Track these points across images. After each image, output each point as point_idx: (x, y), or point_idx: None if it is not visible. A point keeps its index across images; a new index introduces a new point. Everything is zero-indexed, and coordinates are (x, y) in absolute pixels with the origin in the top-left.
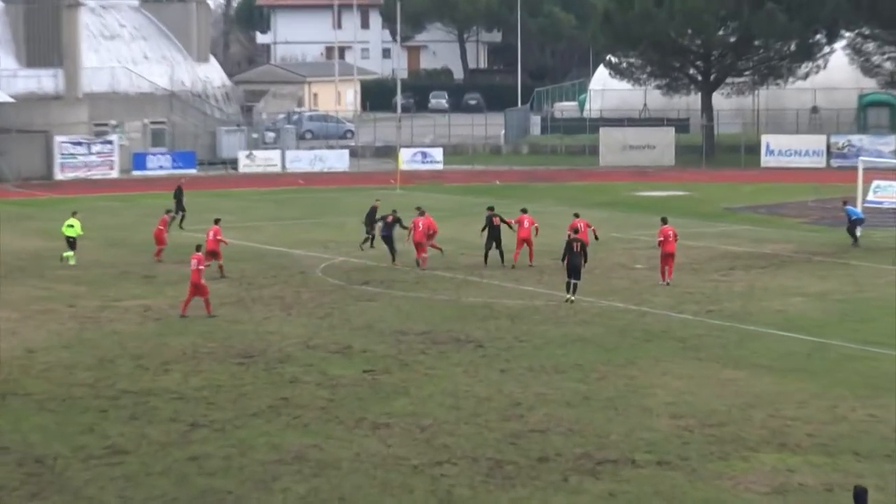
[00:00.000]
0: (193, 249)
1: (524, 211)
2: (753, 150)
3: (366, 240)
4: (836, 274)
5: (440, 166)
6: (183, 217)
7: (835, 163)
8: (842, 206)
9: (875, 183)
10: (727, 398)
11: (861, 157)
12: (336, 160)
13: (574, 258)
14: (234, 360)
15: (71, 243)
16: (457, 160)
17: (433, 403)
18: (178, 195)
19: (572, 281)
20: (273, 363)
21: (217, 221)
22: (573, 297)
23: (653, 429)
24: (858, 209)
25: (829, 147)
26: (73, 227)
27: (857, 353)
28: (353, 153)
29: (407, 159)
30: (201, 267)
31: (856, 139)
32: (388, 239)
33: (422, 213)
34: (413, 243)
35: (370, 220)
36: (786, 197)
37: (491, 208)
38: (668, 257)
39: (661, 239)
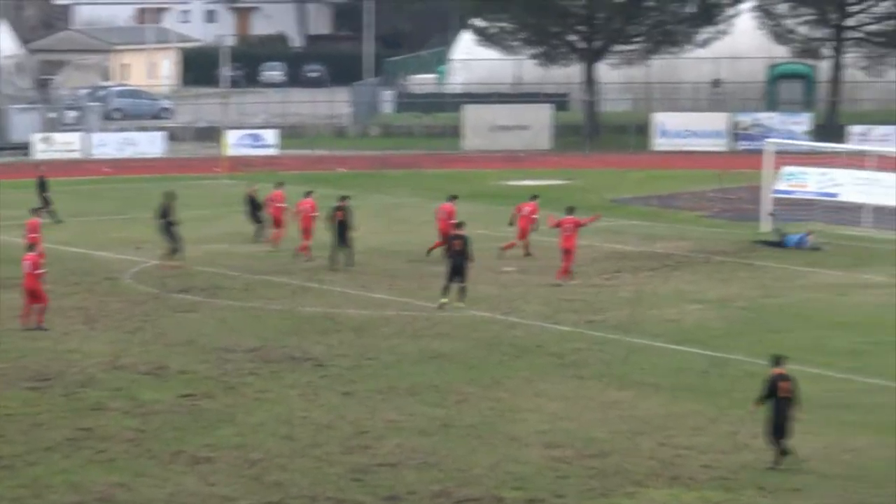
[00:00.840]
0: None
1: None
2: (644, 130)
3: (257, 231)
4: (739, 277)
5: (274, 151)
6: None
7: (740, 145)
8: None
9: (786, 169)
10: (610, 424)
11: (770, 139)
12: (149, 144)
13: (455, 258)
14: (27, 384)
15: None
16: (294, 144)
17: (264, 433)
18: (42, 187)
19: (452, 284)
20: (73, 387)
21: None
22: (460, 303)
23: (523, 461)
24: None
25: (732, 127)
26: None
27: (762, 369)
28: (171, 136)
29: (234, 143)
30: (39, 271)
31: (764, 117)
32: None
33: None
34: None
35: (253, 209)
36: (681, 186)
37: (343, 198)
38: (564, 253)
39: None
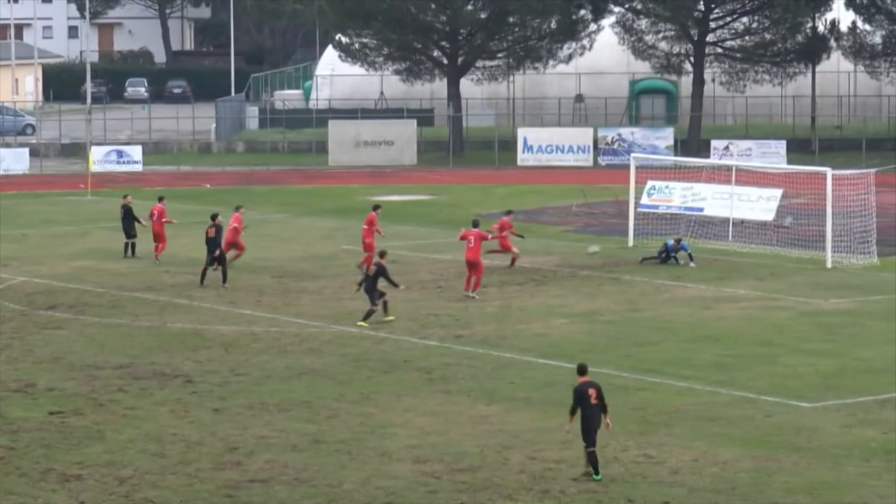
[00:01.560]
0: None
1: None
2: (509, 146)
3: (127, 246)
4: (606, 291)
5: (139, 167)
6: None
7: (603, 160)
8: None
9: (650, 184)
10: (480, 438)
11: (633, 154)
12: (13, 161)
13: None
14: None
15: None
16: (159, 160)
17: (134, 450)
18: None
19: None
20: None
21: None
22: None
23: (393, 475)
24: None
25: (596, 142)
26: None
27: (630, 382)
28: (35, 152)
29: (99, 159)
30: None
31: (627, 132)
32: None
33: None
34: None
35: (129, 222)
36: (547, 201)
37: (214, 216)
38: (469, 267)
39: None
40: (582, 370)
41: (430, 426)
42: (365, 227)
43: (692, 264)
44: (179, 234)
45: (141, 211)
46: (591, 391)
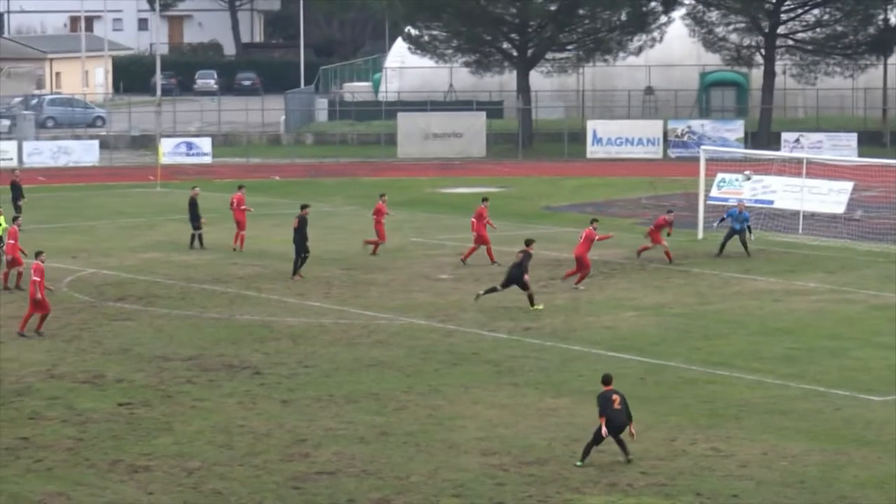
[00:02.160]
0: None
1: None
2: (578, 138)
3: (193, 238)
4: (675, 283)
5: (209, 159)
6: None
7: (673, 153)
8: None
9: (720, 176)
10: (548, 431)
11: (703, 146)
12: (84, 153)
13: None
14: None
15: None
16: (229, 152)
17: (202, 441)
18: (15, 192)
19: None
20: (10, 396)
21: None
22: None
23: (461, 468)
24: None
25: (666, 134)
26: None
27: (699, 375)
28: (105, 144)
29: (169, 151)
30: (36, 278)
31: (697, 125)
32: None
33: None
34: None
35: (193, 213)
36: (616, 193)
37: (304, 206)
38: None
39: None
40: (606, 380)
41: (498, 419)
42: (474, 220)
43: (752, 237)
44: (249, 226)
45: (216, 203)
46: (615, 397)
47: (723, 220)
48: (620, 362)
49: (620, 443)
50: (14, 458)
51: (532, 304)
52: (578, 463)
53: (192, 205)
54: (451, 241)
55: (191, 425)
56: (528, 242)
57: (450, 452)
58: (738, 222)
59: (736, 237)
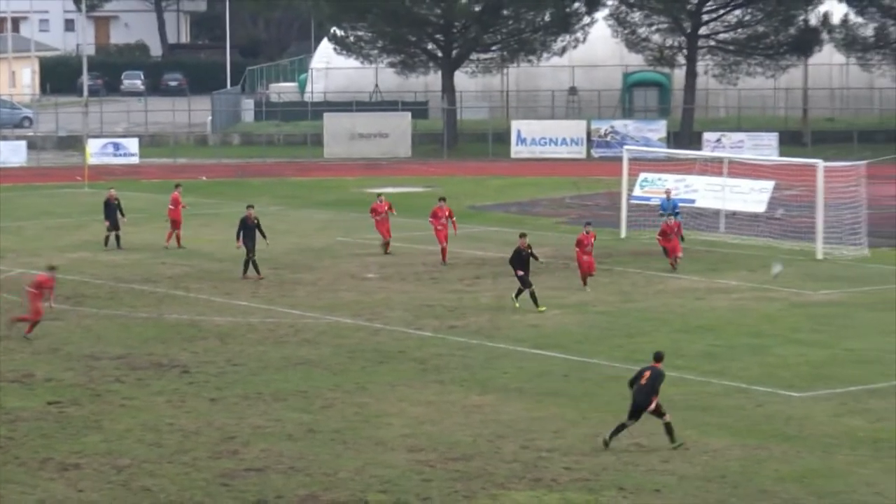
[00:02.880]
0: None
1: None
2: (502, 138)
3: (108, 238)
4: (599, 282)
5: (136, 160)
6: None
7: (596, 152)
8: (665, 196)
9: (642, 176)
10: (473, 427)
11: (626, 146)
12: (11, 153)
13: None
14: None
15: None
16: (156, 153)
17: (131, 439)
18: None
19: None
20: None
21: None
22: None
23: (388, 464)
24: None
25: (589, 134)
26: None
27: (622, 373)
28: (32, 145)
29: (96, 152)
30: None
31: (620, 125)
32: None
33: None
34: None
35: (109, 213)
36: (540, 193)
37: (250, 206)
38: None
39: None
40: (658, 357)
41: (424, 416)
42: (431, 219)
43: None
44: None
45: (144, 203)
46: (646, 373)
47: (661, 215)
48: (545, 360)
49: (620, 426)
50: None
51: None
52: (608, 440)
53: (108, 205)
54: (376, 241)
55: (120, 423)
56: (524, 235)
57: (377, 449)
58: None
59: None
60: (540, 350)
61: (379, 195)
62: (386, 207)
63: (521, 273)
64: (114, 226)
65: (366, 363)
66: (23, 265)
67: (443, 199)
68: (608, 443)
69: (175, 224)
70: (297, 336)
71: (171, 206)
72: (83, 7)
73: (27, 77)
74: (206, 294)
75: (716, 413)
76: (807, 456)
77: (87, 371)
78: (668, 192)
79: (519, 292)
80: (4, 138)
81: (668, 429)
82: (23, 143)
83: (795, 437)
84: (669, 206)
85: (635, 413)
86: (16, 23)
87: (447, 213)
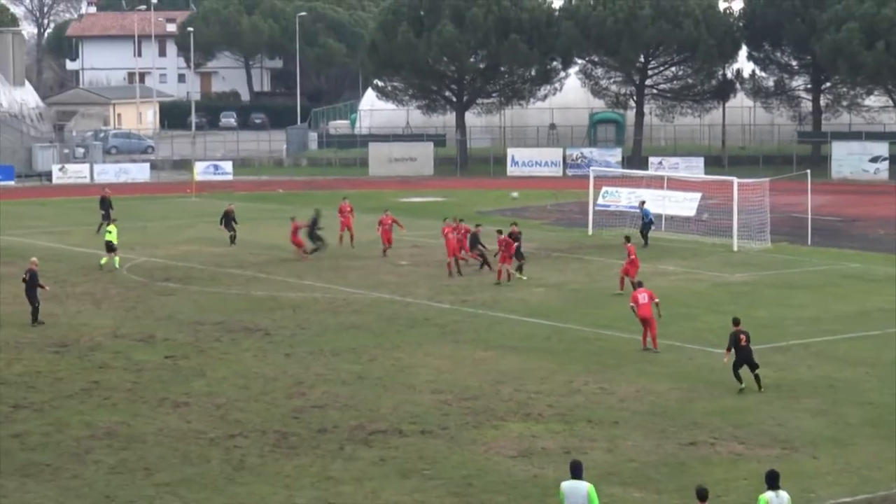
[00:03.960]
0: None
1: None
2: (501, 161)
3: (232, 238)
4: (571, 268)
5: (230, 177)
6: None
7: (570, 172)
8: (639, 206)
9: (604, 189)
10: (480, 375)
11: (592, 167)
12: (138, 172)
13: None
14: (51, 349)
15: (109, 248)
16: (245, 171)
17: (227, 384)
18: (104, 205)
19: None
20: (85, 351)
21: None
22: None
23: (417, 403)
24: (649, 212)
25: (564, 158)
26: (111, 233)
27: (590, 335)
28: (154, 166)
29: (201, 171)
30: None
31: (587, 151)
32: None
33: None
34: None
35: (227, 222)
36: (528, 202)
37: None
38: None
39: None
40: (736, 321)
41: (444, 367)
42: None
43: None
44: (260, 225)
45: (237, 210)
46: (742, 336)
47: (644, 220)
48: (532, 325)
49: (755, 376)
50: (88, 397)
51: (521, 273)
52: (742, 386)
53: (226, 215)
54: (408, 237)
55: (218, 372)
56: (514, 223)
57: (408, 391)
58: (647, 217)
59: (642, 228)
60: (528, 318)
61: (386, 210)
62: (390, 221)
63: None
64: (231, 230)
65: (400, 327)
66: (147, 255)
67: (459, 219)
68: (742, 389)
69: (345, 226)
70: (348, 307)
71: (340, 217)
72: (192, 65)
73: (150, 116)
74: (282, 276)
75: (659, 365)
76: (726, 397)
77: (194, 333)
78: (642, 203)
79: (520, 268)
80: (133, 161)
81: (758, 378)
82: (147, 165)
83: (717, 383)
84: (644, 214)
85: (741, 363)
86: (142, 76)
87: (464, 231)
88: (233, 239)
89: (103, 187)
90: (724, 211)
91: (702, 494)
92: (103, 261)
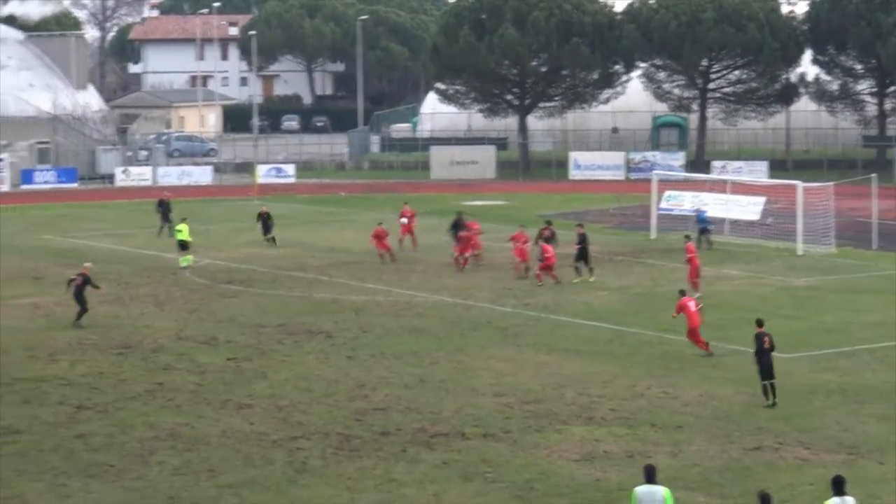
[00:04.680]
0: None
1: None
2: (563, 164)
3: (270, 240)
4: (634, 271)
5: (292, 180)
6: (167, 228)
7: (632, 176)
8: (695, 212)
9: (667, 193)
10: (542, 378)
11: (655, 171)
12: (201, 175)
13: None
14: (115, 351)
15: (183, 246)
16: (307, 174)
17: (289, 386)
18: (163, 208)
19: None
20: (148, 353)
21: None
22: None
23: (479, 406)
24: (705, 215)
25: (627, 162)
26: (181, 231)
27: (653, 339)
28: (216, 169)
29: (263, 174)
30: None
31: (650, 155)
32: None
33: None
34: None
35: (265, 224)
36: (591, 205)
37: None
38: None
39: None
40: (760, 322)
41: (506, 370)
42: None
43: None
44: (321, 228)
45: (292, 211)
46: (766, 338)
47: (702, 224)
48: (595, 329)
49: (764, 387)
50: (151, 398)
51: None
52: (769, 403)
53: (264, 218)
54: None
55: (280, 374)
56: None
57: (471, 394)
58: (702, 223)
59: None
60: (591, 321)
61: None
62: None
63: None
64: (267, 232)
65: (462, 330)
66: (209, 257)
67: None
68: (773, 405)
69: (409, 231)
70: (411, 310)
71: (402, 220)
72: (254, 68)
73: (213, 120)
74: (344, 279)
75: (723, 369)
76: (791, 401)
77: (256, 335)
78: (698, 210)
79: (589, 270)
80: (196, 164)
81: (773, 388)
82: (209, 168)
83: (782, 388)
84: (700, 218)
85: (768, 372)
86: (205, 80)
87: (524, 239)
88: (272, 240)
89: (162, 190)
90: (789, 215)
91: (765, 500)
92: (184, 262)
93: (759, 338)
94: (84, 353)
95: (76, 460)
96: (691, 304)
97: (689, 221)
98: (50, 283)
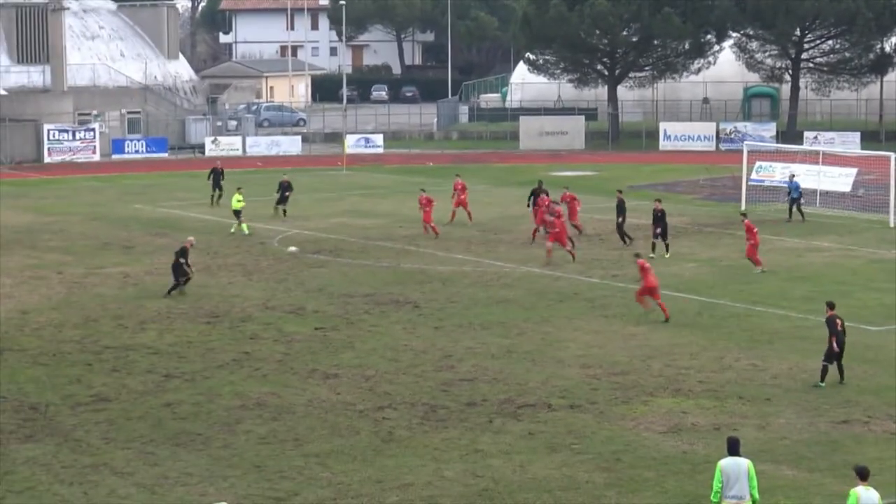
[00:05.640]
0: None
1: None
2: (653, 135)
3: (283, 211)
4: (724, 243)
5: (381, 150)
6: (220, 196)
7: (723, 146)
8: (789, 179)
9: (758, 164)
10: (629, 350)
11: (746, 142)
12: (290, 145)
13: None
14: (203, 320)
15: (238, 215)
16: (395, 145)
17: (376, 356)
18: (216, 176)
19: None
20: (236, 322)
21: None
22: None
23: (566, 377)
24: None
25: (718, 133)
26: (240, 201)
27: (741, 311)
28: (305, 139)
29: (352, 144)
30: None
31: (741, 126)
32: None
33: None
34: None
35: (282, 192)
36: (681, 176)
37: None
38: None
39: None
40: (831, 305)
41: (593, 341)
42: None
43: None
44: (409, 199)
45: (386, 182)
46: (839, 321)
47: (796, 193)
48: (683, 300)
49: (824, 368)
50: (239, 367)
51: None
52: (821, 384)
53: (284, 186)
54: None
55: (367, 344)
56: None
57: (557, 366)
58: (795, 191)
59: (791, 202)
60: (679, 293)
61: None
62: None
63: (657, 230)
64: (282, 202)
65: (549, 302)
66: (298, 227)
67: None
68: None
69: (462, 204)
70: (498, 281)
71: (457, 191)
72: (344, 38)
73: (302, 90)
74: (431, 249)
75: (812, 342)
76: (881, 375)
77: (343, 305)
78: (791, 175)
79: (666, 246)
80: (286, 134)
81: (842, 370)
82: (298, 138)
83: (873, 361)
84: (794, 187)
85: (841, 354)
86: (294, 50)
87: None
88: (283, 212)
89: (215, 159)
90: (881, 187)
91: (863, 474)
92: (245, 229)
93: (832, 321)
94: (172, 323)
95: (164, 428)
96: (647, 265)
97: (781, 193)
98: (140, 252)
